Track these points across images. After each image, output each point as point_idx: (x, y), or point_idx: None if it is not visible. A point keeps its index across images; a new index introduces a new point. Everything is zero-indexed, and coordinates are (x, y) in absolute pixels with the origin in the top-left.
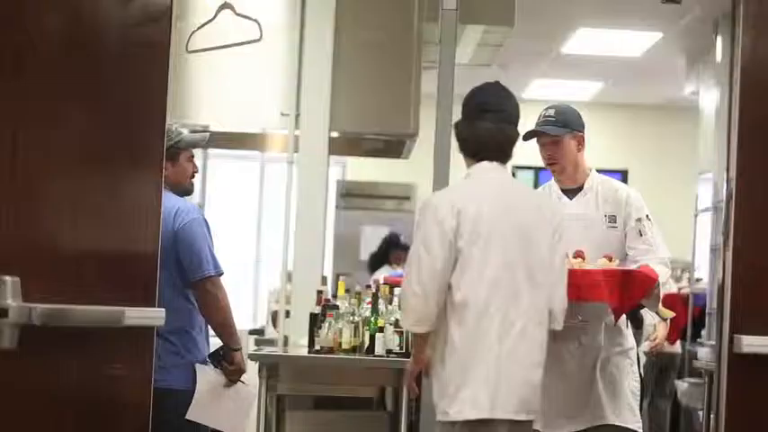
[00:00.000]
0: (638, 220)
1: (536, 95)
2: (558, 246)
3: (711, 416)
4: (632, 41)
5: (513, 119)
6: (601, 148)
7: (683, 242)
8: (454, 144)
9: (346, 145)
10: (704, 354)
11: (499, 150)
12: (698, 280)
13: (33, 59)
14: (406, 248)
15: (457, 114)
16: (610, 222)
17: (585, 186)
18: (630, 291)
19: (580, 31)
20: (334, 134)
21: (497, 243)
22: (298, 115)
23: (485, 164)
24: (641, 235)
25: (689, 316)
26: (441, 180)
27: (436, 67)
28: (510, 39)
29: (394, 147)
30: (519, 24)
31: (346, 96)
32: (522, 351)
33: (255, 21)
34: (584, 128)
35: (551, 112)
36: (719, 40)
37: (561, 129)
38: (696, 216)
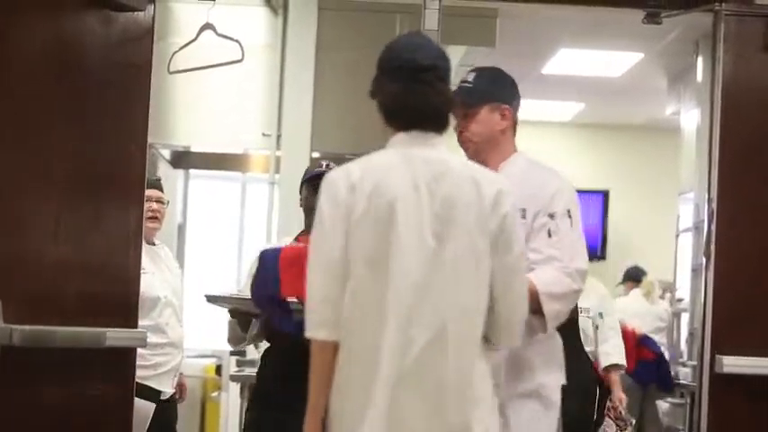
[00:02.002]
0: (552, 215)
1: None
2: (512, 236)
3: None
4: (613, 62)
5: (431, 75)
6: (582, 169)
7: (664, 262)
8: None
9: None
10: (685, 374)
11: (433, 117)
12: (679, 300)
13: (16, 80)
14: None
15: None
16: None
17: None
18: None
19: (561, 52)
20: (316, 154)
21: (406, 228)
22: (279, 136)
23: (413, 133)
24: (549, 236)
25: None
26: None
27: None
28: (491, 59)
29: None
30: (500, 45)
31: (328, 117)
32: (449, 394)
33: (237, 41)
34: (515, 99)
35: (471, 76)
36: (700, 60)
37: (477, 99)
38: (677, 236)
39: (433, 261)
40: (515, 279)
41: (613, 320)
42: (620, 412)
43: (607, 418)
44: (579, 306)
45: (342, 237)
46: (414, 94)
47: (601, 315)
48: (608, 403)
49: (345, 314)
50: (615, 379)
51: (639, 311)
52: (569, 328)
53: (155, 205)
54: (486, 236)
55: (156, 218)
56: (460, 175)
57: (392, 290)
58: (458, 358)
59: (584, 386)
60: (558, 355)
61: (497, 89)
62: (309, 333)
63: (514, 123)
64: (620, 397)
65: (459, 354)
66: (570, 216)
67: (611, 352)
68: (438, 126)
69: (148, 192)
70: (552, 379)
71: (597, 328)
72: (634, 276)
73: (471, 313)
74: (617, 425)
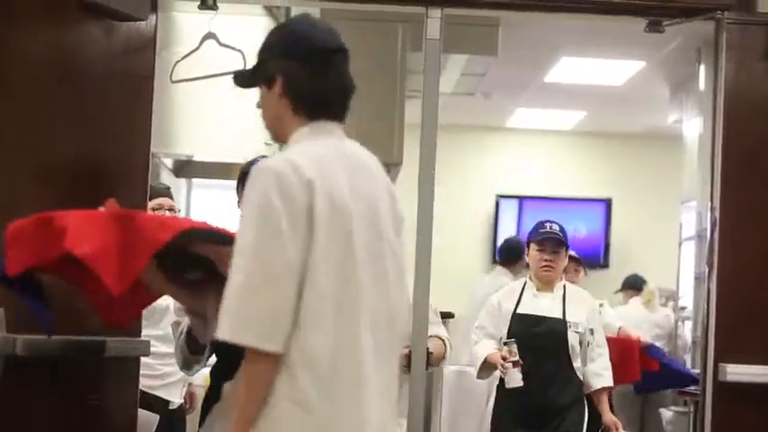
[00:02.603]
0: None
1: (520, 124)
2: (402, 237)
3: None
4: (615, 70)
5: (341, 58)
6: (584, 177)
7: (666, 270)
8: (439, 172)
9: None
10: None
11: (343, 105)
12: (682, 308)
13: (17, 89)
14: None
15: (443, 142)
16: None
17: None
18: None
19: (563, 60)
20: None
21: (357, 233)
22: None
23: (323, 123)
24: None
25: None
26: (425, 209)
27: (420, 97)
28: (493, 68)
29: None
30: (502, 53)
31: None
32: (390, 401)
33: (240, 51)
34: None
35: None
36: (702, 68)
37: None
38: (680, 244)
39: (373, 266)
40: (404, 281)
41: (602, 337)
42: None
43: None
44: (568, 321)
45: (301, 238)
46: (333, 79)
47: (591, 332)
48: None
49: (311, 323)
50: (605, 405)
51: (638, 320)
52: (558, 345)
53: (168, 213)
54: (399, 237)
55: None
56: (375, 171)
57: (357, 297)
58: (390, 371)
59: (574, 404)
60: None
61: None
62: (261, 345)
63: None
64: (612, 421)
65: (391, 365)
66: None
67: (601, 373)
68: (345, 115)
69: (160, 200)
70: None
71: (588, 344)
72: (634, 285)
73: (402, 320)
74: None
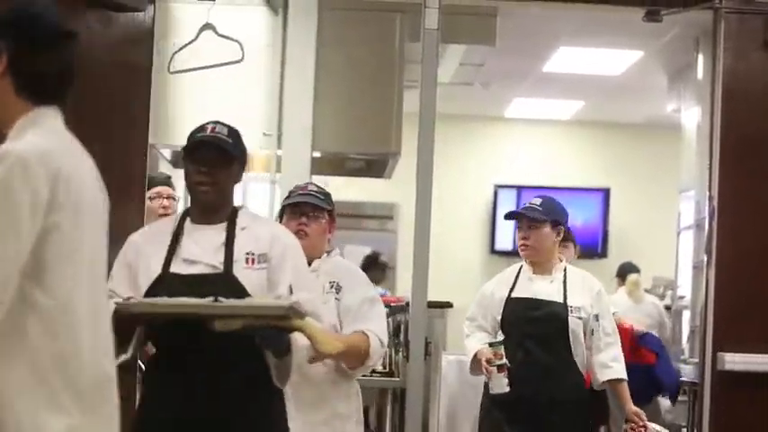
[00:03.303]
0: None
1: (518, 114)
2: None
3: None
4: (613, 60)
5: (75, 42)
6: (582, 167)
7: (665, 260)
8: (437, 162)
9: (329, 165)
10: (687, 371)
11: (66, 92)
12: (681, 298)
13: None
14: (383, 267)
15: (441, 132)
16: None
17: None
18: None
19: (561, 50)
20: (317, 154)
21: (96, 228)
22: (280, 135)
23: (50, 110)
24: None
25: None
26: (424, 199)
27: (418, 87)
28: (491, 58)
29: (376, 166)
30: (500, 43)
31: (329, 116)
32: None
33: (237, 41)
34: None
35: None
36: (701, 57)
37: None
38: (678, 234)
39: (104, 262)
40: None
41: (611, 324)
42: (646, 429)
43: None
44: (569, 305)
45: (35, 234)
46: (63, 63)
47: (597, 318)
48: (624, 425)
49: (66, 328)
50: (625, 397)
51: (625, 310)
52: (557, 331)
53: (165, 202)
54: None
55: (168, 214)
56: (89, 158)
57: (103, 296)
58: None
59: (572, 400)
60: None
61: None
62: None
63: None
64: (634, 411)
65: None
66: None
67: (610, 364)
68: (66, 102)
69: (159, 188)
70: None
71: (593, 332)
72: (621, 273)
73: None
74: None
